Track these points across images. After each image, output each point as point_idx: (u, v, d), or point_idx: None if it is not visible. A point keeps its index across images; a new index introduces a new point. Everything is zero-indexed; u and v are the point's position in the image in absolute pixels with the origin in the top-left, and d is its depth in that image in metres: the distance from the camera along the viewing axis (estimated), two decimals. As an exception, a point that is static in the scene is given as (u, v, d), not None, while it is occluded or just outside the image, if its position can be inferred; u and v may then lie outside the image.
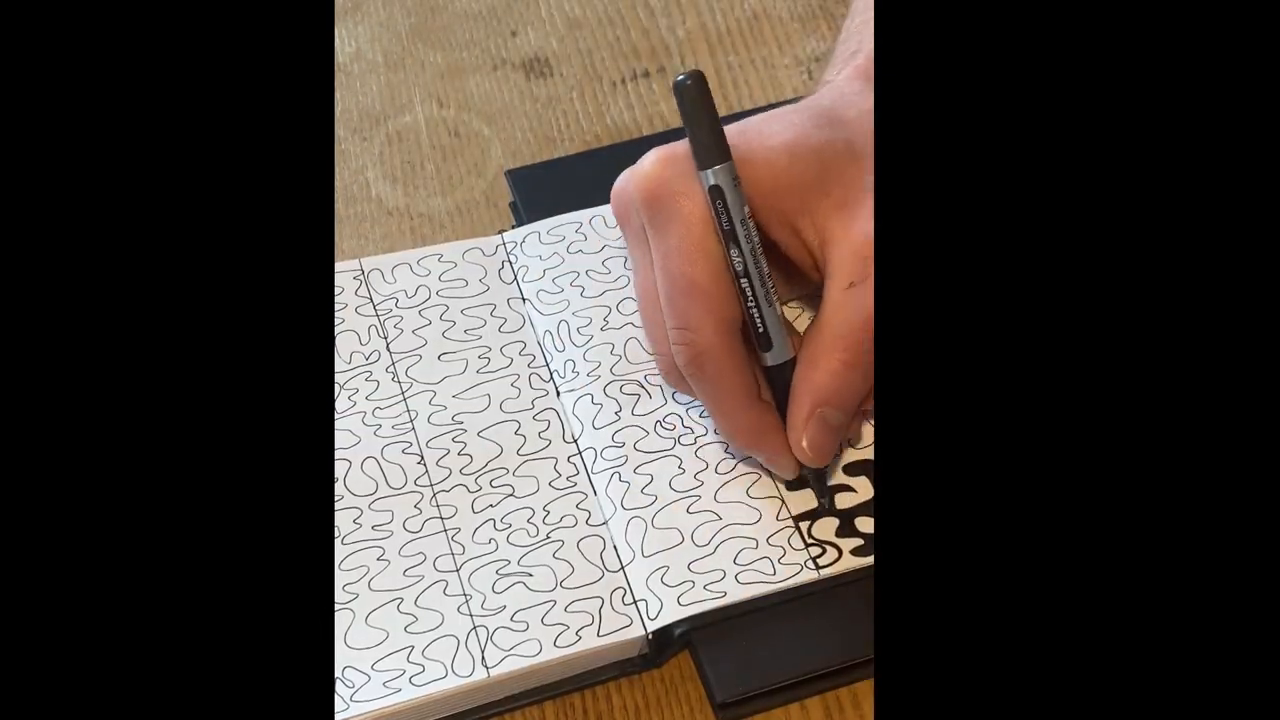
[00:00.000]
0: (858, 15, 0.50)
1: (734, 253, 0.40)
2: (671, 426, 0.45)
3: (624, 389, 0.45)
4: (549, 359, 0.47)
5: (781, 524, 0.42)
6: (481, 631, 0.41)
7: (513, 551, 0.42)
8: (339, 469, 0.44)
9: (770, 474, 0.43)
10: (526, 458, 0.44)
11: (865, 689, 0.40)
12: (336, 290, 0.49)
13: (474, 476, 0.44)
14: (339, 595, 0.42)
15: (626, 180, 0.42)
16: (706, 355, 0.40)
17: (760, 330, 0.41)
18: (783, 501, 0.43)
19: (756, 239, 0.41)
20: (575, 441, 0.45)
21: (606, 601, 0.41)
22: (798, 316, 0.46)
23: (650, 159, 0.41)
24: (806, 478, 0.43)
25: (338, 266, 0.50)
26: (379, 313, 0.49)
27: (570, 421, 0.45)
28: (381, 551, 0.43)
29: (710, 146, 0.40)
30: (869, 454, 0.44)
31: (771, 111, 0.44)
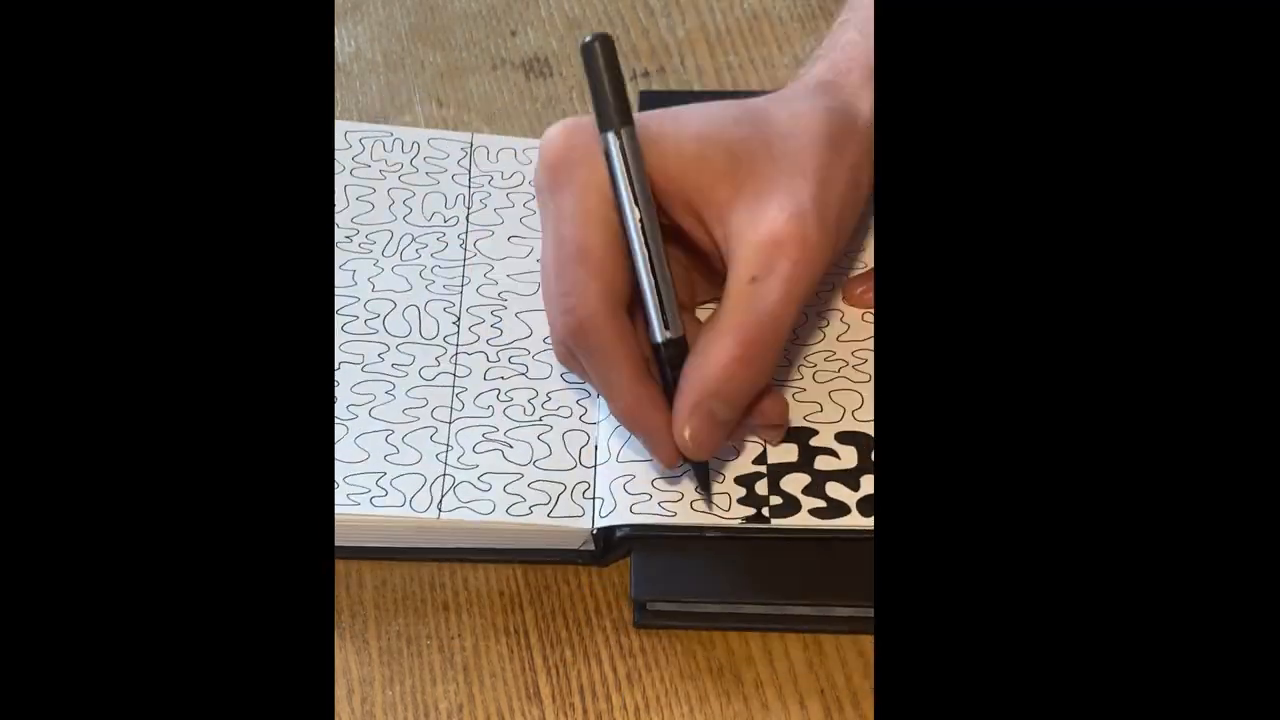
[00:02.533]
0: (841, 14, 0.48)
1: (628, 219, 0.39)
2: None
3: None
4: None
5: (755, 467, 0.43)
6: (448, 480, 0.43)
7: (504, 422, 0.45)
8: (383, 308, 0.48)
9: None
10: (549, 346, 0.47)
11: (859, 687, 0.41)
12: (441, 155, 0.53)
13: (497, 349, 0.47)
14: (342, 413, 0.45)
15: (538, 149, 0.42)
16: (589, 324, 0.39)
17: (648, 303, 0.40)
18: (765, 448, 0.44)
19: (652, 210, 0.40)
20: None
21: (568, 489, 0.43)
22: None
23: (556, 127, 0.41)
24: (691, 468, 0.42)
25: (450, 134, 0.53)
26: (471, 185, 0.52)
27: None
28: (391, 386, 0.46)
29: (610, 109, 0.39)
30: (865, 427, 0.44)
31: (700, 103, 0.43)
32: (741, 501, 0.43)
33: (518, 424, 0.45)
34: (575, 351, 0.41)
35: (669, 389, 0.41)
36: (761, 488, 0.43)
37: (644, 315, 0.41)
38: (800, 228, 0.39)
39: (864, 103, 0.43)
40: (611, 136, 0.39)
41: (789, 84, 0.46)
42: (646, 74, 0.57)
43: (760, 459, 0.44)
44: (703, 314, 0.45)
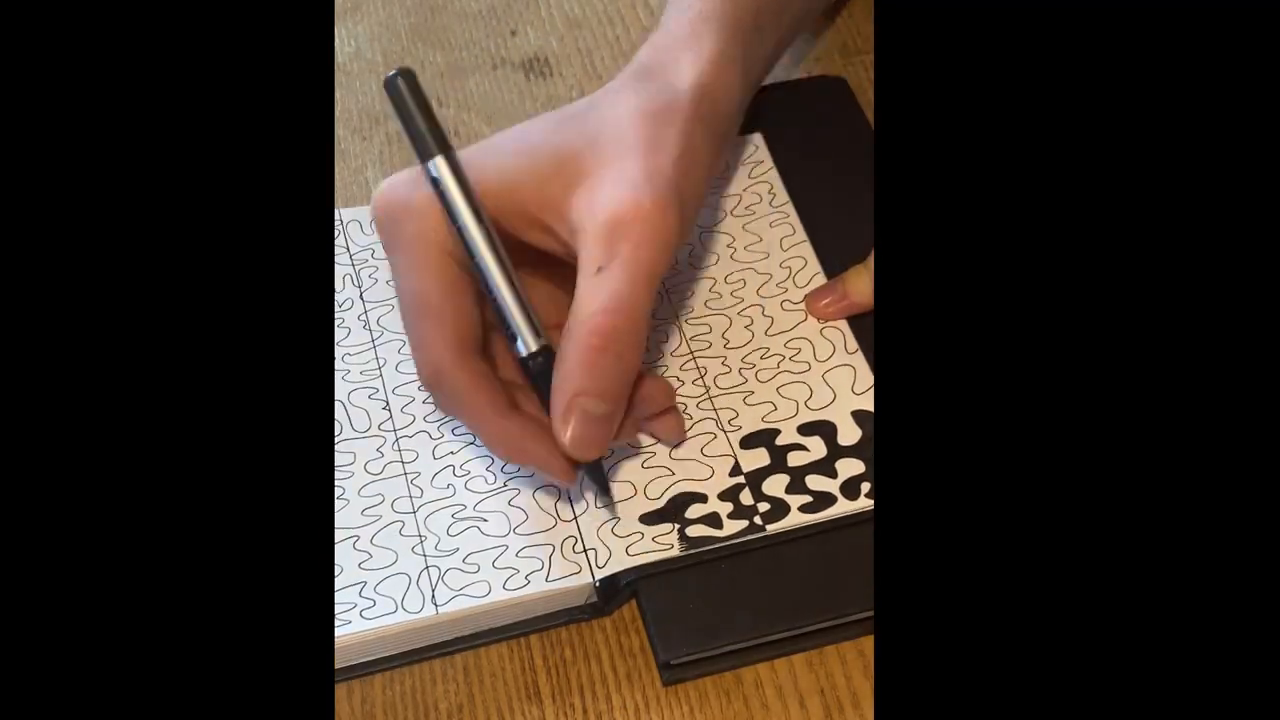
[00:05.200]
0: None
1: (471, 237, 0.38)
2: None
3: None
4: None
5: (733, 480, 0.43)
6: (433, 571, 0.42)
7: (469, 497, 0.43)
8: (305, 411, 0.46)
9: (726, 435, 0.44)
10: (489, 408, 0.45)
11: (861, 687, 0.40)
12: (314, 239, 0.50)
13: (436, 424, 0.45)
14: (298, 531, 0.43)
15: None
16: (442, 373, 0.39)
17: (508, 318, 0.39)
18: (736, 459, 0.44)
19: (490, 225, 0.39)
20: None
21: (557, 549, 0.42)
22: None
23: (380, 186, 0.41)
24: (587, 475, 0.41)
25: (317, 216, 0.51)
26: (355, 262, 0.50)
27: None
28: (342, 491, 0.44)
29: (427, 139, 0.39)
30: (823, 415, 0.45)
31: (512, 127, 0.43)
32: (732, 516, 0.42)
33: (483, 495, 0.43)
34: (434, 399, 0.40)
35: (546, 402, 0.40)
36: (746, 498, 0.43)
37: (507, 333, 0.40)
38: (635, 204, 0.38)
39: (683, 75, 0.43)
40: (435, 163, 0.39)
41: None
42: None
43: (735, 470, 0.43)
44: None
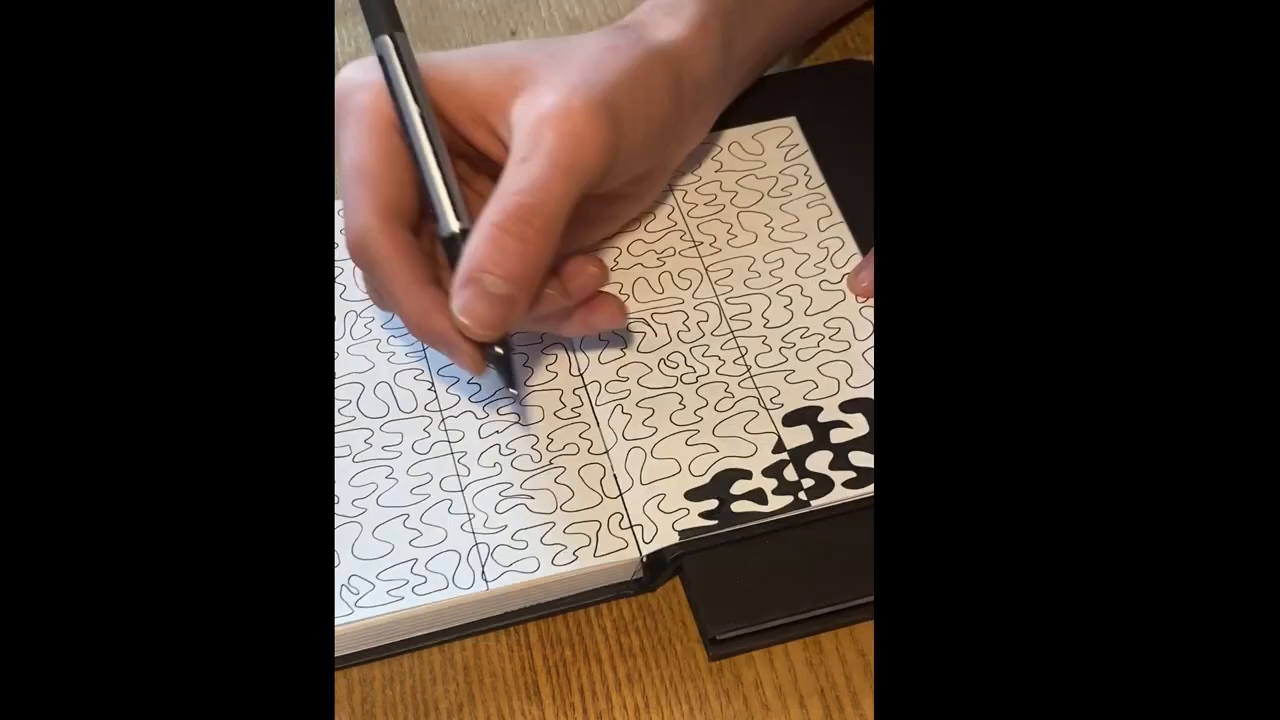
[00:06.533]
0: None
1: (408, 113, 0.40)
2: (675, 364, 0.46)
3: (630, 326, 0.47)
4: None
5: (776, 457, 0.44)
6: (483, 548, 0.42)
7: (516, 475, 0.44)
8: (353, 392, 0.46)
9: (769, 413, 0.45)
10: (533, 388, 0.46)
11: (863, 688, 0.40)
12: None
13: (482, 404, 0.46)
14: (348, 509, 0.43)
15: None
16: (366, 237, 0.40)
17: (436, 196, 0.40)
18: (779, 436, 0.44)
19: (430, 108, 0.40)
20: (581, 375, 0.46)
21: (604, 525, 0.43)
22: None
23: (345, 67, 0.43)
24: (494, 367, 0.41)
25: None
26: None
27: (577, 356, 0.47)
28: (390, 470, 0.44)
29: (380, 15, 0.41)
30: (864, 393, 0.45)
31: None
32: (777, 492, 0.43)
33: (530, 473, 0.44)
34: (357, 265, 0.41)
35: None
36: (790, 474, 0.43)
37: (433, 211, 0.41)
38: (566, 104, 0.40)
39: (661, 30, 0.45)
40: (384, 40, 0.40)
41: None
42: None
43: (779, 447, 0.44)
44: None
